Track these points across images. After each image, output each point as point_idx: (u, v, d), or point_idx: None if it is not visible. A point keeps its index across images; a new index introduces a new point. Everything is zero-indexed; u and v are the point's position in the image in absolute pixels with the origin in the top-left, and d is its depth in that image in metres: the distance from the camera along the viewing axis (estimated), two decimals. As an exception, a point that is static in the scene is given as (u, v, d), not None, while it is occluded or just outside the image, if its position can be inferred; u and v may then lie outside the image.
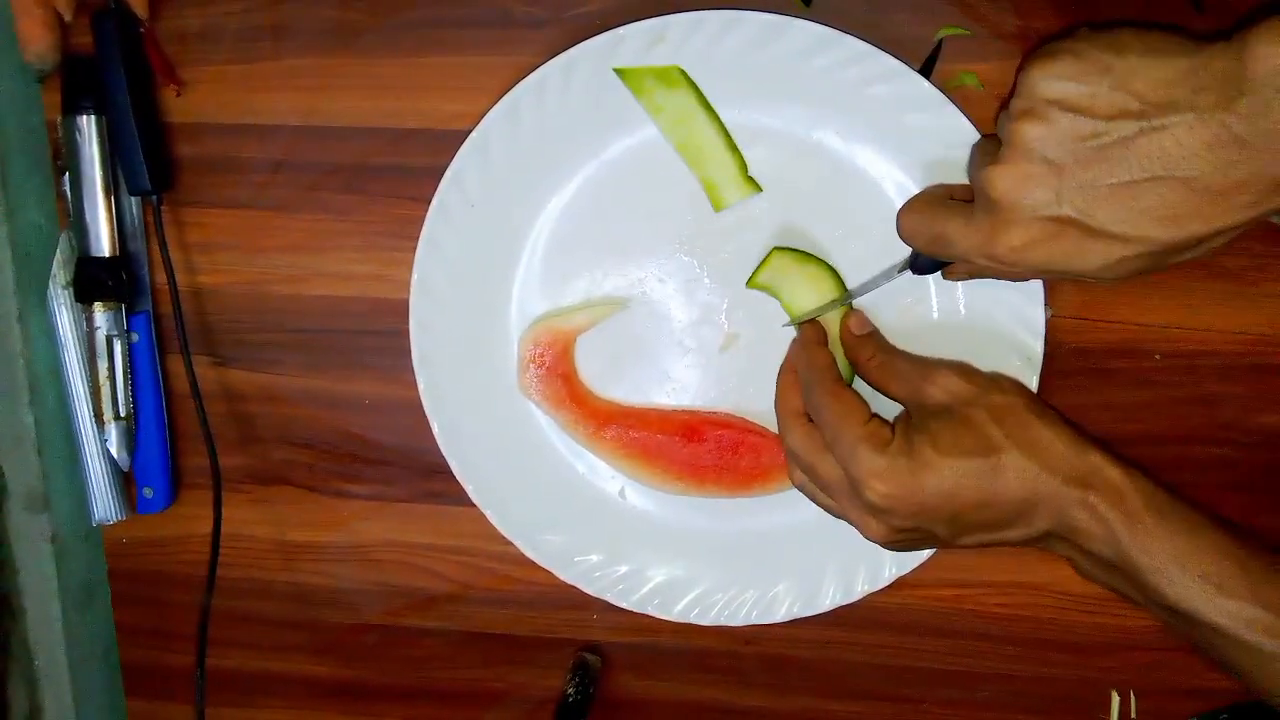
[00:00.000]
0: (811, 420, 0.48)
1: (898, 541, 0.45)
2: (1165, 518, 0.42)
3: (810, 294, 0.50)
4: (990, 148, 0.42)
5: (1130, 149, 0.37)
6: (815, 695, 0.58)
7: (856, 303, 0.51)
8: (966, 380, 0.46)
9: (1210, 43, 0.36)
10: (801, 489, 0.49)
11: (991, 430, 0.44)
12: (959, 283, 0.49)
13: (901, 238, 0.47)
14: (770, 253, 0.50)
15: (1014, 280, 0.46)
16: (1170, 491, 0.44)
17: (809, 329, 0.50)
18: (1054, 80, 0.39)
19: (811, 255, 0.50)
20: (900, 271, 0.48)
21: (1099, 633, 0.55)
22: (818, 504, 0.48)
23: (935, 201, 0.46)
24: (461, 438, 0.53)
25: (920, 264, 0.47)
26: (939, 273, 0.48)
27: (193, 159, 0.55)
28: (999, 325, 0.49)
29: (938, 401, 0.46)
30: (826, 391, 0.47)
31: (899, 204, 0.50)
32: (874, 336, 0.50)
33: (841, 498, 0.46)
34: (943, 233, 0.43)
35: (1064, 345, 0.51)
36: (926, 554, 0.52)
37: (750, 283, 0.51)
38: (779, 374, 0.51)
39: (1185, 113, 0.36)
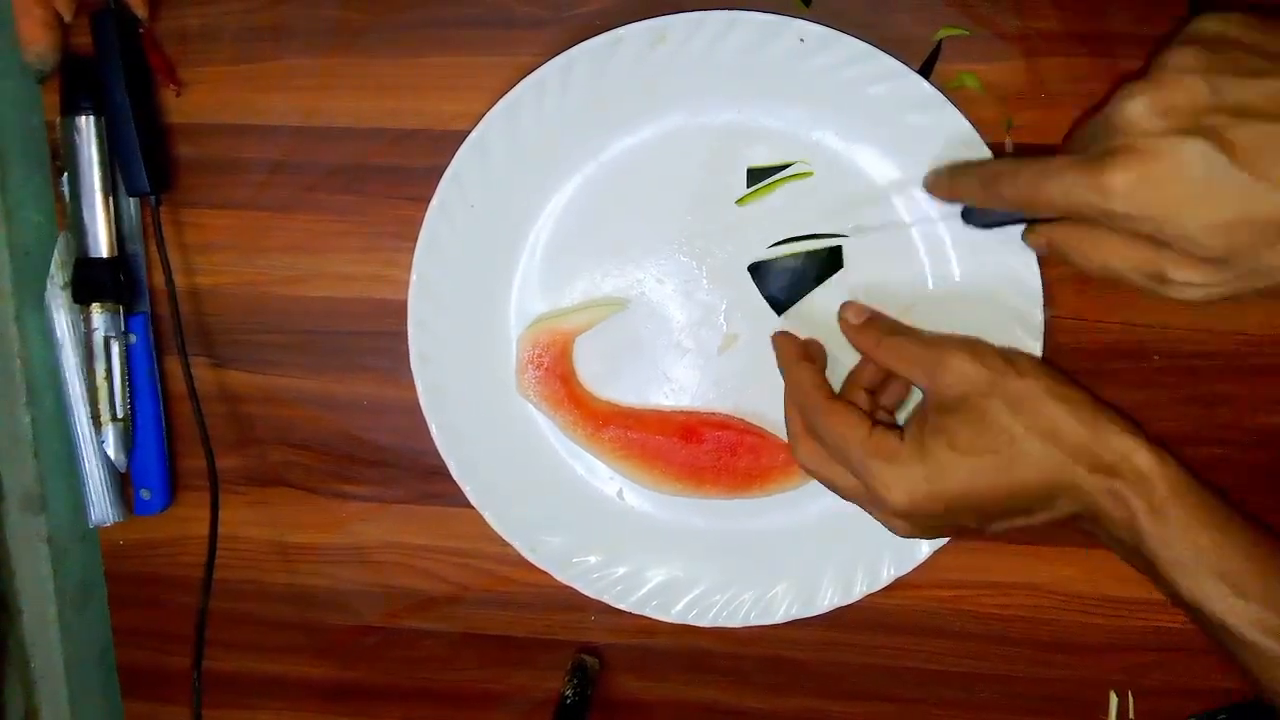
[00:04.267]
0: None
1: (930, 532, 0.45)
2: (1190, 510, 0.41)
3: None
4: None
5: None
6: (814, 696, 0.58)
7: (851, 295, 0.51)
8: (981, 364, 0.43)
9: None
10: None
11: (1009, 422, 0.42)
12: (956, 285, 0.49)
13: (942, 195, 0.47)
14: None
15: (1113, 229, 0.39)
16: (1200, 480, 0.42)
17: (782, 346, 0.50)
18: (1219, 22, 0.37)
19: None
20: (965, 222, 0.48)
21: (1098, 633, 0.55)
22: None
23: (983, 162, 0.45)
24: (460, 439, 0.53)
25: (978, 218, 0.47)
26: (1012, 233, 0.46)
27: (192, 159, 0.55)
28: (998, 327, 0.49)
29: (952, 393, 0.44)
30: (818, 410, 0.46)
31: (899, 204, 0.50)
32: (876, 321, 0.49)
33: (865, 504, 0.46)
34: (1030, 176, 0.40)
35: (1064, 345, 0.51)
36: (925, 555, 0.52)
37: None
38: (784, 400, 0.49)
39: None
